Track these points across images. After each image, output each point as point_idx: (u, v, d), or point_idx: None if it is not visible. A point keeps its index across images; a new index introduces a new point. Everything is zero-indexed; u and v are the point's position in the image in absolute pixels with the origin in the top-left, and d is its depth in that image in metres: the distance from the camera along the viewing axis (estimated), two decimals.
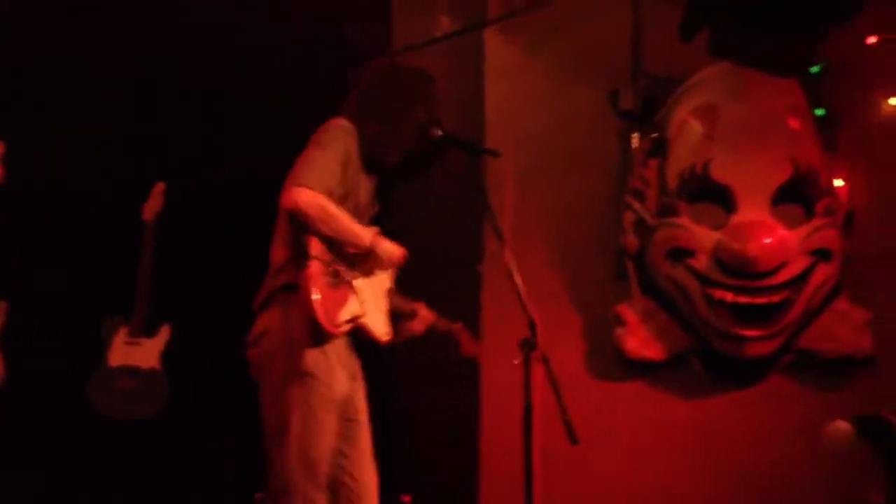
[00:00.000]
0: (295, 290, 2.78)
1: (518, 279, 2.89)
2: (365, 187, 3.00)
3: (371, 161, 2.98)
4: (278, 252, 2.90)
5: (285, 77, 4.50)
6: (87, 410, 4.32)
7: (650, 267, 4.41)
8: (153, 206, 4.46)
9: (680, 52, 4.34)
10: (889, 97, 4.41)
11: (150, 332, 4.49)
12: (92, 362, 4.40)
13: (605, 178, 4.50)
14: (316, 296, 2.74)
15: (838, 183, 4.41)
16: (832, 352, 4.34)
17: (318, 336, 2.80)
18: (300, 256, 2.78)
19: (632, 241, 4.43)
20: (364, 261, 2.94)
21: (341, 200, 2.87)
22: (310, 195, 2.75)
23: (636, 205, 4.46)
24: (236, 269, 4.27)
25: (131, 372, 4.42)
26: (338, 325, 2.83)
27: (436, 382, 4.50)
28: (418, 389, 4.54)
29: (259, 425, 2.88)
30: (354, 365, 3.00)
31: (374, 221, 3.05)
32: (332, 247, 2.84)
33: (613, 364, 4.41)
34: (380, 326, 3.02)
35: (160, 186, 4.48)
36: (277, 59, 4.52)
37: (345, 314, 2.87)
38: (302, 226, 2.78)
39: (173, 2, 4.35)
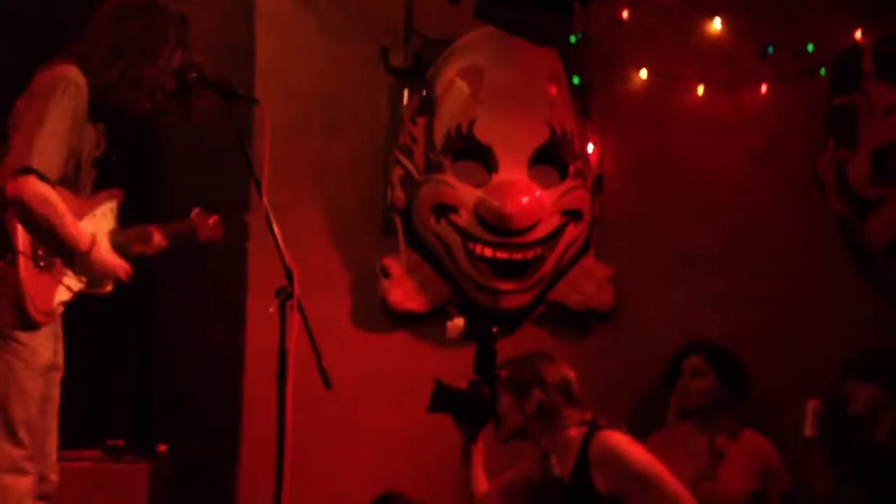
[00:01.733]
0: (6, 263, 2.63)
1: (276, 228, 2.88)
2: (90, 136, 2.85)
3: (103, 104, 2.81)
4: None
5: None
6: None
7: (416, 222, 4.49)
8: None
9: (451, 13, 4.39)
10: (639, 69, 4.70)
11: None
12: None
13: (375, 134, 4.52)
14: (26, 289, 2.62)
15: (590, 148, 4.66)
16: (579, 304, 4.59)
17: (28, 324, 2.68)
18: (5, 239, 2.62)
19: (399, 196, 4.50)
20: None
21: (65, 159, 2.72)
22: (38, 189, 2.58)
23: (404, 161, 4.52)
24: None
25: None
26: (50, 313, 2.74)
27: (202, 331, 4.44)
28: (184, 338, 4.46)
29: None
30: (57, 325, 2.88)
31: (98, 163, 2.91)
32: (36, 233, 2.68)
33: (378, 316, 4.48)
34: (105, 286, 2.90)
35: None
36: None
37: (58, 297, 2.76)
38: (17, 214, 2.61)
39: None
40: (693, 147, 4.75)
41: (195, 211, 3.22)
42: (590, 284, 4.61)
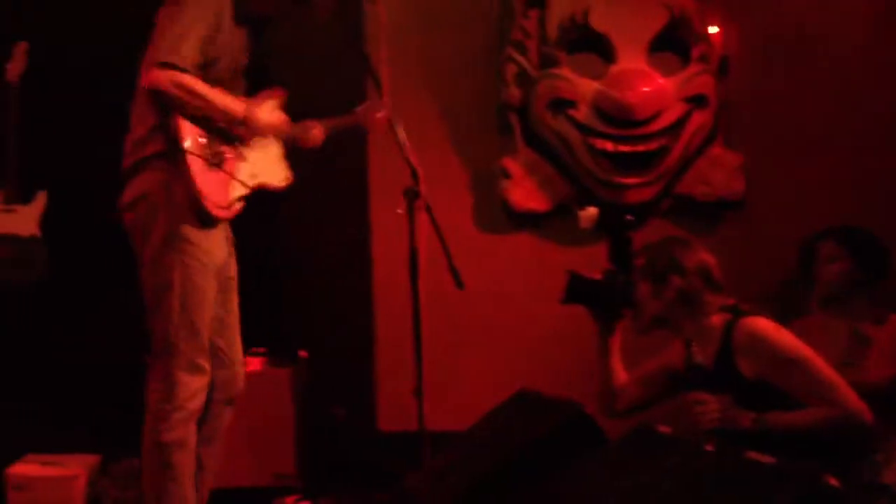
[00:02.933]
0: (167, 158, 2.65)
1: (399, 130, 2.83)
2: (238, 41, 2.84)
3: (246, 12, 2.82)
4: (140, 122, 2.74)
5: None
6: None
7: (533, 119, 4.36)
8: (16, 65, 4.21)
9: None
10: None
11: (25, 199, 4.31)
12: None
13: (486, 29, 4.38)
14: (200, 185, 2.64)
15: (712, 30, 4.41)
16: (707, 195, 4.40)
17: (207, 221, 2.71)
18: (172, 139, 2.64)
19: (514, 93, 4.37)
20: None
21: (213, 64, 2.72)
22: (171, 76, 2.60)
23: (518, 57, 4.37)
24: (109, 132, 4.08)
25: (9, 239, 4.26)
26: (228, 207, 2.76)
27: (326, 236, 4.44)
28: (309, 244, 4.47)
29: (139, 292, 2.81)
30: (227, 232, 2.92)
31: (245, 73, 2.90)
32: (202, 123, 2.70)
33: (499, 216, 4.40)
34: (276, 176, 2.94)
35: (23, 45, 4.22)
36: None
37: (234, 192, 2.79)
38: (166, 106, 2.63)
39: None
40: (825, 23, 4.45)
41: (363, 105, 3.15)
42: (718, 173, 4.41)
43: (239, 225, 2.99)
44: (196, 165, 2.67)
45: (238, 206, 2.86)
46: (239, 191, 2.84)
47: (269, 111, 2.90)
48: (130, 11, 4.11)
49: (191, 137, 2.68)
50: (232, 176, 2.79)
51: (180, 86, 2.63)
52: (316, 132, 3.05)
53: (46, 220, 4.28)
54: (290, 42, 4.11)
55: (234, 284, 2.95)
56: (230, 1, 2.79)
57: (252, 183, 2.87)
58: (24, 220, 4.28)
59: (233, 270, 2.95)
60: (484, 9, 4.38)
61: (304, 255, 4.44)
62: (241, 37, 2.87)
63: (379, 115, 3.10)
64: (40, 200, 4.32)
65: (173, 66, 2.62)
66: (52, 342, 4.21)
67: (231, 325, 2.93)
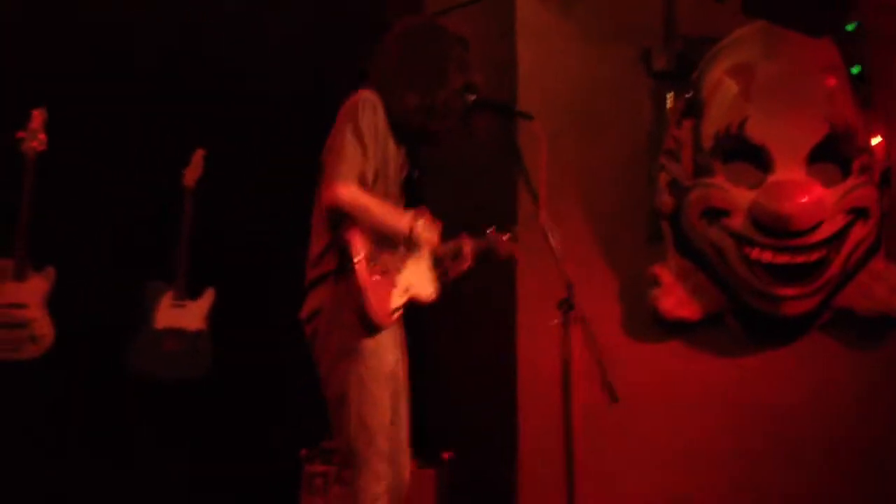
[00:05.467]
0: (340, 273, 2.74)
1: (554, 240, 2.81)
2: (394, 156, 2.90)
3: (403, 129, 2.88)
4: (317, 237, 2.83)
5: (316, 49, 4.42)
6: (133, 372, 4.31)
7: (685, 227, 4.27)
8: (193, 171, 4.43)
9: (713, 11, 4.14)
10: None
11: (194, 295, 4.47)
12: (136, 325, 4.36)
13: (638, 138, 4.32)
14: (368, 295, 2.71)
15: (875, 141, 4.26)
16: (869, 310, 4.16)
17: (372, 328, 2.76)
18: (344, 253, 2.73)
19: (667, 201, 4.30)
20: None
21: (375, 177, 2.79)
22: (347, 192, 2.69)
23: (671, 165, 4.32)
24: (277, 234, 4.24)
25: (177, 333, 4.40)
26: (390, 316, 2.81)
27: (471, 341, 4.44)
28: (454, 347, 4.47)
29: (301, 387, 2.90)
30: (400, 334, 2.95)
31: (405, 186, 2.96)
32: (371, 236, 2.78)
33: (649, 324, 4.27)
34: (426, 289, 2.97)
35: (200, 152, 4.44)
36: (304, 30, 4.43)
37: (395, 301, 2.84)
38: (342, 220, 2.73)
39: None
40: None
41: (490, 229, 3.18)
42: (881, 288, 4.19)
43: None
44: (365, 278, 2.74)
45: (396, 315, 2.90)
46: (398, 301, 2.89)
47: (427, 228, 2.93)
48: (300, 125, 4.35)
49: (361, 251, 2.76)
50: (394, 286, 2.84)
51: (354, 202, 2.72)
52: (466, 252, 3.07)
53: (214, 316, 4.44)
54: (444, 155, 4.21)
55: (405, 386, 2.97)
56: (384, 115, 2.84)
57: (407, 295, 2.92)
58: (193, 315, 4.42)
59: (403, 372, 2.97)
60: (635, 118, 4.37)
61: (447, 353, 4.44)
62: (398, 150, 2.93)
63: (505, 237, 3.12)
64: (208, 296, 4.48)
65: (348, 184, 2.71)
66: (215, 436, 4.31)
67: (401, 428, 2.94)
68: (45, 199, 4.12)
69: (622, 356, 4.15)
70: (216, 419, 4.28)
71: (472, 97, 2.90)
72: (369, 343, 2.79)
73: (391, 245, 2.86)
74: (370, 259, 2.77)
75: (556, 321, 2.74)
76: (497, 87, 3.37)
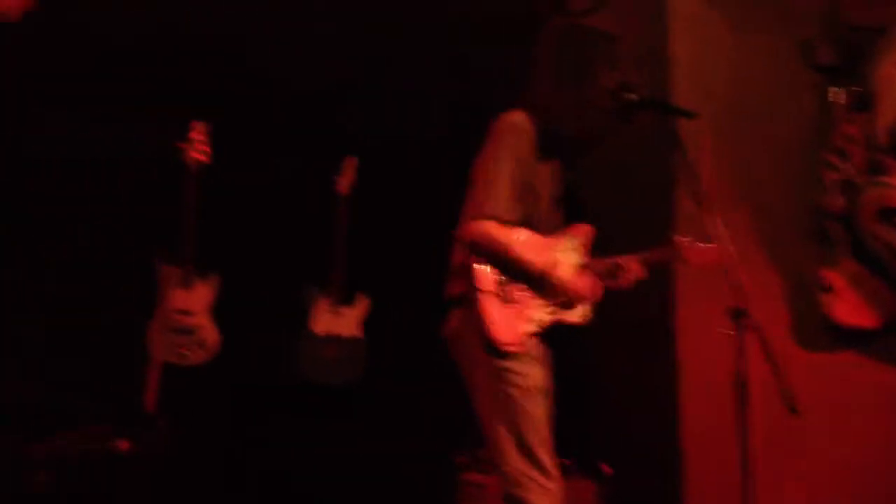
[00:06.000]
0: (468, 298, 2.71)
1: (726, 244, 2.66)
2: (546, 174, 2.82)
3: (556, 137, 2.80)
4: (455, 255, 2.81)
5: (466, 41, 4.37)
6: (294, 377, 4.36)
7: (858, 229, 4.01)
8: (346, 179, 4.47)
9: None
10: None
11: (348, 301, 4.51)
12: (295, 331, 4.44)
13: (798, 134, 4.06)
14: (493, 325, 2.68)
15: None
16: None
17: (496, 353, 2.71)
18: (472, 280, 2.69)
19: (836, 201, 4.04)
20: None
21: (528, 201, 2.74)
22: (482, 229, 2.66)
23: (839, 163, 4.07)
24: (428, 240, 4.21)
25: (334, 340, 4.45)
26: (519, 341, 2.74)
27: (629, 351, 4.30)
28: (612, 359, 4.34)
29: (451, 391, 2.86)
30: (542, 350, 2.87)
31: (559, 206, 2.88)
32: (501, 266, 2.73)
33: (820, 332, 4.03)
34: (576, 312, 2.87)
35: (352, 160, 4.48)
36: (456, 27, 4.39)
37: (527, 327, 2.76)
38: (473, 253, 2.70)
39: None
40: None
41: (681, 238, 3.02)
42: None
43: (547, 336, 2.92)
44: (489, 308, 2.70)
45: (528, 340, 2.80)
46: (531, 327, 2.80)
47: (571, 273, 2.84)
48: (450, 126, 4.32)
49: (488, 279, 2.71)
50: (527, 311, 2.78)
51: (490, 239, 2.68)
52: (633, 270, 2.92)
53: (368, 322, 4.47)
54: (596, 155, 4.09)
55: (550, 400, 2.88)
56: (533, 136, 2.78)
57: (549, 319, 2.84)
58: (347, 321, 4.46)
59: (550, 385, 2.89)
60: (794, 111, 4.11)
61: (608, 367, 4.31)
62: (550, 170, 2.85)
63: (706, 247, 2.91)
64: (362, 303, 4.51)
65: (487, 221, 2.68)
66: (369, 440, 4.33)
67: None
68: (208, 207, 4.22)
69: (792, 365, 3.91)
70: (370, 423, 4.29)
71: (633, 97, 2.78)
72: (513, 363, 2.73)
73: (527, 277, 2.79)
74: (500, 286, 2.73)
75: (724, 329, 2.59)
76: (649, 82, 3.23)
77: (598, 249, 2.99)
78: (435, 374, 3.97)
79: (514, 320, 2.74)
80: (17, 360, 3.98)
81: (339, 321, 4.47)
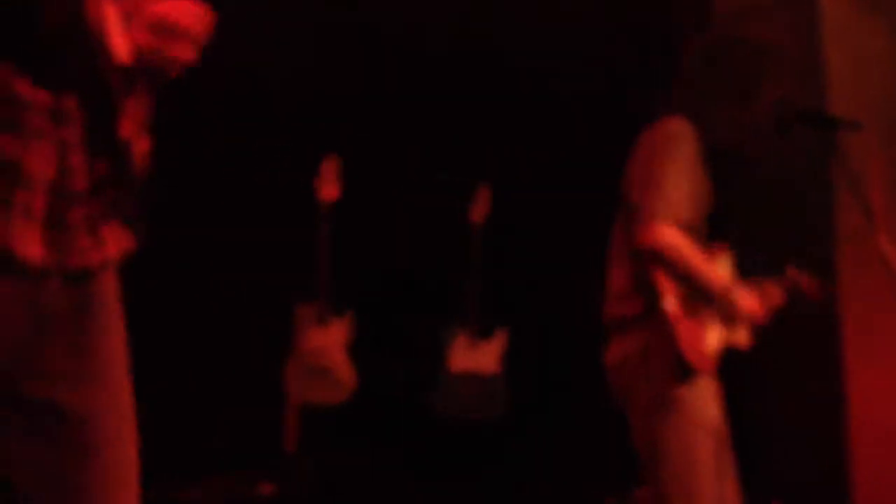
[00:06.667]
0: (647, 316, 2.53)
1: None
2: (706, 185, 2.64)
3: (714, 153, 2.62)
4: (619, 273, 2.63)
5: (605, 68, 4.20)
6: (434, 413, 4.26)
7: None
8: (480, 208, 4.38)
9: None
10: None
11: (486, 336, 4.41)
12: (434, 368, 4.33)
13: None
14: (681, 339, 2.48)
15: None
16: None
17: (686, 375, 2.50)
18: (652, 294, 2.51)
19: None
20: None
21: (689, 209, 2.55)
22: (666, 234, 2.47)
23: None
24: (564, 272, 4.05)
25: (474, 377, 4.36)
26: (706, 361, 2.56)
27: (793, 383, 3.99)
28: (775, 391, 4.03)
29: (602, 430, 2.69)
30: (717, 385, 2.65)
31: (711, 217, 2.67)
32: (681, 279, 2.55)
33: None
34: (742, 335, 2.68)
35: (485, 189, 4.39)
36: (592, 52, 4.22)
37: (710, 346, 2.58)
38: (650, 262, 2.51)
39: None
40: None
41: (791, 268, 2.85)
42: None
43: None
44: (677, 320, 2.50)
45: (713, 360, 2.61)
46: (713, 346, 2.61)
47: (744, 293, 2.65)
48: (586, 154, 4.14)
49: (671, 293, 2.51)
50: (707, 330, 2.59)
51: (673, 247, 2.49)
52: (774, 297, 2.74)
53: (507, 358, 4.34)
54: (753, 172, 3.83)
55: (728, 440, 2.64)
56: (697, 143, 2.60)
57: (721, 343, 2.65)
58: (486, 357, 4.36)
59: (725, 427, 2.65)
60: None
61: (771, 400, 4.01)
62: (707, 178, 2.66)
63: (807, 280, 2.79)
64: (500, 338, 4.40)
65: (667, 225, 2.48)
66: (514, 477, 4.18)
67: (726, 485, 2.61)
68: (341, 243, 4.19)
69: None
70: (514, 461, 4.15)
71: (790, 109, 2.60)
72: (687, 393, 2.51)
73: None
74: (681, 300, 2.52)
75: None
76: (804, 94, 3.01)
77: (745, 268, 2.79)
78: (582, 408, 3.81)
79: (698, 336, 2.55)
80: (161, 405, 4.02)
81: (477, 357, 4.37)
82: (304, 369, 4.15)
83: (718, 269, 2.68)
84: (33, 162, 1.21)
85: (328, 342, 4.21)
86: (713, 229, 2.72)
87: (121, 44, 1.24)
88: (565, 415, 4.17)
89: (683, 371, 2.49)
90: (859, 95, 3.82)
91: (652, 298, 2.50)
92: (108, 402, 1.30)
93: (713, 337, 2.61)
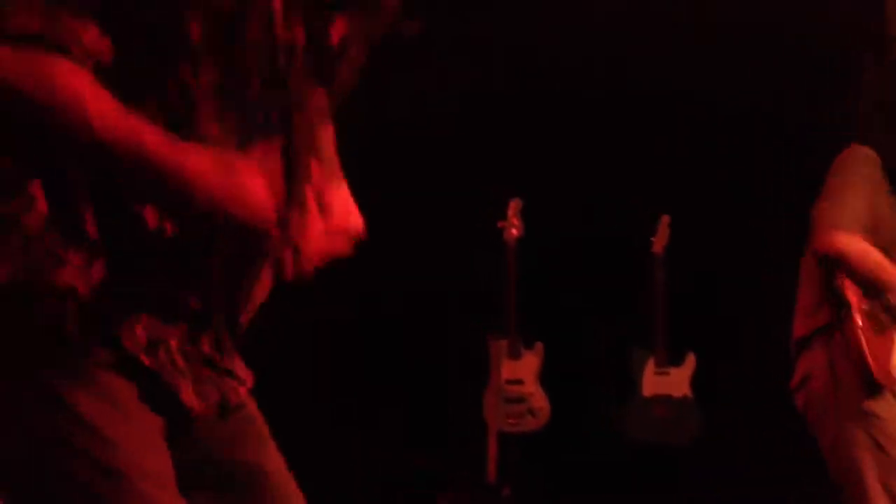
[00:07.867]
0: (834, 327, 2.52)
1: None
2: (891, 211, 2.62)
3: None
4: (807, 291, 2.63)
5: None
6: (626, 438, 4.34)
7: None
8: (661, 239, 4.41)
9: None
10: None
11: (676, 361, 4.43)
12: (624, 395, 4.42)
13: None
14: (865, 349, 2.46)
15: None
16: None
17: (873, 388, 2.49)
18: (838, 304, 2.51)
19: None
20: None
21: (869, 236, 2.53)
22: (844, 239, 2.46)
23: None
24: (754, 297, 4.03)
25: (664, 400, 4.38)
26: (889, 375, 2.51)
27: None
28: None
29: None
30: None
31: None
32: (867, 290, 2.53)
33: None
34: None
35: (666, 219, 4.42)
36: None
37: (894, 359, 2.54)
38: (835, 269, 2.51)
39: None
40: None
41: None
42: None
43: None
44: (862, 330, 2.49)
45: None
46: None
47: None
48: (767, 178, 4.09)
49: (858, 301, 2.52)
50: (893, 338, 2.55)
51: (852, 250, 2.48)
52: None
53: (697, 381, 4.35)
54: None
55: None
56: (881, 171, 2.60)
57: None
58: (676, 381, 4.38)
59: None
60: None
61: None
62: (891, 204, 2.63)
63: None
64: (690, 362, 4.41)
65: (846, 231, 2.47)
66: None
67: None
68: (526, 278, 4.33)
69: None
70: (707, 486, 4.13)
71: None
72: (882, 406, 2.48)
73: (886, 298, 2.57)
74: (868, 312, 2.51)
75: None
76: None
77: None
78: (772, 432, 3.78)
79: (885, 350, 2.52)
80: (362, 436, 4.26)
81: (667, 382, 4.39)
82: (501, 399, 4.32)
83: None
84: None
85: (521, 373, 4.38)
86: None
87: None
88: (756, 438, 4.12)
89: (871, 385, 2.46)
90: None
91: (838, 310, 2.49)
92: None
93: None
